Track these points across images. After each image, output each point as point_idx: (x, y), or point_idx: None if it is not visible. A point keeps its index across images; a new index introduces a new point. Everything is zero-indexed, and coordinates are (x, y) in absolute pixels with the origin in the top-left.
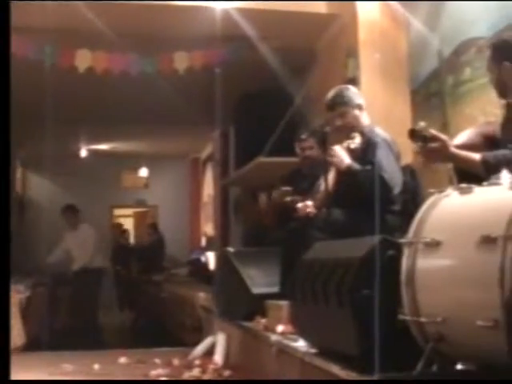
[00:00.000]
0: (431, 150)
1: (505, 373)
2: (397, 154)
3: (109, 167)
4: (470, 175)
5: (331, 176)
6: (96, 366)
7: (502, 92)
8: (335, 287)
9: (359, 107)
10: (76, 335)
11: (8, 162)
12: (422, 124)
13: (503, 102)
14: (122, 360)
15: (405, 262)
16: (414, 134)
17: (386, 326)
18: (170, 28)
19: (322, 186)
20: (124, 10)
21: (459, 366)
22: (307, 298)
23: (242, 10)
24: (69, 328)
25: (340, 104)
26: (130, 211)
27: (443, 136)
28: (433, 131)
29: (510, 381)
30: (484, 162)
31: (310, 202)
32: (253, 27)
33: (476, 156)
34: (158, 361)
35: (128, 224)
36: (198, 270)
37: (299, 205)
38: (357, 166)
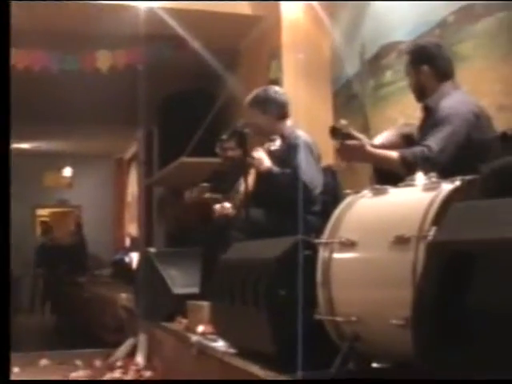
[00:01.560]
0: (348, 148)
1: (418, 371)
2: (318, 155)
3: (31, 167)
4: (390, 176)
5: (251, 177)
6: (16, 370)
7: (420, 95)
8: (252, 287)
9: (278, 109)
10: None
11: (8, 162)
12: (342, 122)
13: (422, 104)
14: (43, 362)
15: (320, 262)
16: (334, 131)
17: (303, 326)
18: (94, 26)
19: (242, 187)
20: (46, 8)
21: (375, 364)
22: (226, 298)
23: (166, 10)
24: None
25: (258, 104)
26: (52, 211)
27: (360, 135)
28: (351, 130)
29: (423, 380)
30: (402, 159)
31: (227, 204)
32: (177, 27)
33: (394, 154)
34: (79, 362)
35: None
36: (122, 270)
37: (216, 206)
38: (276, 169)
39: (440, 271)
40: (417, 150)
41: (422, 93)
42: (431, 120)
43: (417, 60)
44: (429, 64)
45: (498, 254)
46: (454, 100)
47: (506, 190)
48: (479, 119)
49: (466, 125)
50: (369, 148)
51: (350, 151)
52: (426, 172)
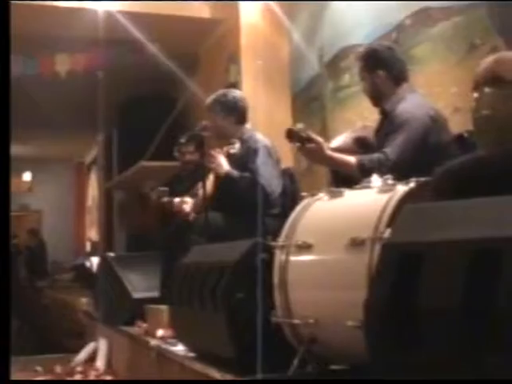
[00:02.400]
0: (307, 150)
1: (375, 372)
2: (277, 159)
3: None
4: (347, 179)
5: (210, 180)
6: None
7: (377, 100)
8: (210, 291)
9: (237, 112)
10: None
11: (8, 162)
12: (299, 125)
13: (379, 109)
14: None
15: (277, 265)
16: (291, 134)
17: (261, 329)
18: (52, 29)
19: (201, 191)
20: None
21: (333, 366)
22: (184, 302)
23: (125, 14)
24: None
25: (217, 107)
26: (12, 216)
27: (318, 138)
28: (309, 133)
29: (384, 380)
30: (359, 165)
31: (187, 199)
32: (136, 31)
33: (352, 159)
34: (39, 368)
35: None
36: (83, 275)
37: (176, 200)
38: (235, 173)
39: (390, 272)
40: (374, 156)
41: (378, 98)
42: (388, 124)
43: (371, 65)
44: (383, 68)
45: (447, 256)
46: (411, 104)
47: (457, 192)
48: (435, 122)
49: (422, 129)
50: (328, 152)
51: (309, 154)
52: (382, 175)
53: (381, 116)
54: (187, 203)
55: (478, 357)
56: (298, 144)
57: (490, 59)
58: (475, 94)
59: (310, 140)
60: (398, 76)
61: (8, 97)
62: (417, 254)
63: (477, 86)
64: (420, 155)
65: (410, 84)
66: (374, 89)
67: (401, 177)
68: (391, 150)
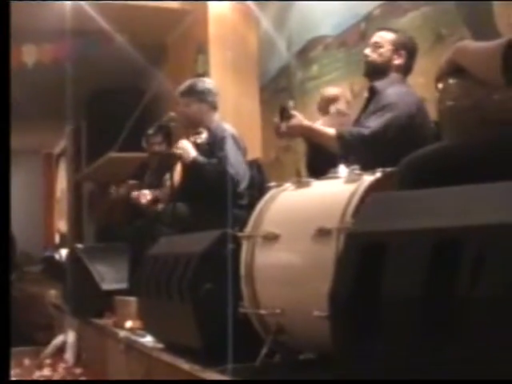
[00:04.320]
0: (291, 125)
1: (340, 361)
2: (244, 149)
3: None
4: (322, 166)
5: (178, 170)
6: None
7: (374, 73)
8: (177, 282)
9: (208, 102)
10: None
11: (8, 161)
12: (290, 103)
13: (369, 85)
14: None
15: (244, 256)
16: (283, 111)
17: (228, 319)
18: (19, 20)
19: (169, 182)
20: None
21: (301, 356)
22: (152, 293)
23: (92, 4)
24: None
25: (188, 94)
26: None
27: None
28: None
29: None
30: (339, 137)
31: (145, 191)
32: (103, 22)
33: (331, 131)
34: None
35: None
36: (52, 267)
37: (134, 193)
38: (201, 159)
39: (354, 262)
40: (354, 129)
41: (380, 71)
42: (375, 103)
43: (393, 40)
44: (401, 48)
45: (409, 245)
46: (400, 90)
47: (420, 182)
48: (420, 112)
49: (407, 114)
50: (307, 122)
51: (288, 128)
52: (361, 154)
53: (369, 93)
54: (145, 195)
55: (442, 346)
56: (285, 121)
57: (451, 50)
58: (439, 85)
59: (290, 116)
60: (405, 65)
61: (8, 97)
62: (380, 244)
63: (441, 77)
64: (402, 142)
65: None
66: (383, 61)
67: (379, 155)
68: (373, 125)
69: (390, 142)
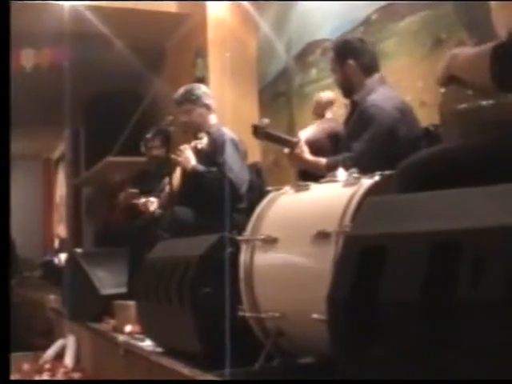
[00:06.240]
0: (294, 157)
1: (339, 365)
2: (243, 153)
3: None
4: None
5: (177, 175)
6: None
7: (347, 91)
8: (176, 286)
9: (206, 107)
10: None
11: (8, 160)
12: (265, 121)
13: (347, 101)
14: None
15: (243, 259)
16: (256, 130)
17: (228, 323)
18: (18, 24)
19: (168, 186)
20: None
21: (300, 360)
22: (151, 297)
23: (91, 8)
24: None
25: (187, 101)
26: None
27: (295, 139)
28: (283, 135)
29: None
30: (329, 167)
31: (152, 199)
32: (102, 26)
33: (323, 161)
34: None
35: None
36: (51, 272)
37: (141, 200)
38: (202, 168)
39: (352, 265)
40: (344, 158)
41: (348, 88)
42: (357, 115)
43: (341, 55)
44: (354, 58)
45: (408, 248)
46: (380, 96)
47: (420, 185)
48: (404, 115)
49: (390, 123)
50: (307, 156)
51: (291, 158)
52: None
53: (351, 107)
54: (152, 203)
55: (440, 349)
56: (263, 140)
57: (446, 57)
58: (442, 89)
59: (273, 136)
60: (369, 66)
61: (8, 98)
62: (378, 247)
63: (441, 82)
64: (389, 149)
65: (381, 75)
66: (345, 79)
67: (367, 171)
68: (359, 147)
69: (377, 155)
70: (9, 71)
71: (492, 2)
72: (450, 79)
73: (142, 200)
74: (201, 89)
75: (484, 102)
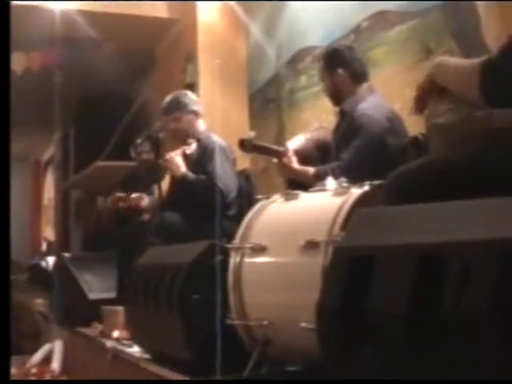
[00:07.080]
0: (282, 166)
1: (328, 374)
2: (233, 159)
3: None
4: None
5: (166, 181)
6: None
7: (337, 100)
8: (165, 292)
9: (195, 113)
10: None
11: (8, 160)
12: (251, 134)
13: (337, 109)
14: None
15: (232, 267)
16: (243, 144)
17: (216, 330)
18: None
19: (157, 191)
20: None
21: (288, 368)
22: (140, 303)
23: (81, 12)
24: None
25: (175, 109)
26: None
27: (281, 149)
28: (270, 145)
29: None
30: (317, 177)
31: (143, 194)
32: (93, 30)
33: (311, 170)
34: None
35: None
36: (39, 275)
37: (132, 196)
38: (191, 175)
39: (341, 276)
40: (332, 168)
41: (338, 97)
42: (346, 124)
43: (331, 64)
44: (343, 67)
45: (396, 259)
46: (369, 105)
47: (407, 196)
48: (393, 124)
49: (379, 132)
50: (295, 166)
51: (282, 169)
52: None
53: (340, 115)
54: (143, 199)
55: (428, 358)
56: (250, 153)
57: (431, 66)
58: (419, 104)
59: (260, 148)
60: (358, 75)
61: (8, 99)
62: (367, 258)
63: (423, 94)
64: (378, 158)
65: (370, 84)
66: (334, 88)
67: (355, 180)
68: (348, 156)
69: (366, 164)
70: (9, 72)
71: (481, 10)
72: (438, 91)
73: (134, 195)
74: (187, 96)
75: (468, 115)
